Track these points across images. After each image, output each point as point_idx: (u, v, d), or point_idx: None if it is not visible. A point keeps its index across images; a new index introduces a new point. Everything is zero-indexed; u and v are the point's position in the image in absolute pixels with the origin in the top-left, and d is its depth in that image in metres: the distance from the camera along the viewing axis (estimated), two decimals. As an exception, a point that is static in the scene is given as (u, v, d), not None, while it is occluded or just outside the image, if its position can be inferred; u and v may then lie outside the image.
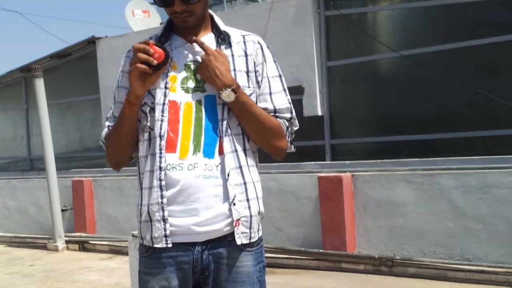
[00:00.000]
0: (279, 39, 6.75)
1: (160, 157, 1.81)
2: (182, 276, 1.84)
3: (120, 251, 7.22)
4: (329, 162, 6.80)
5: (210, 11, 1.96)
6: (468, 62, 6.17)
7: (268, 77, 1.93)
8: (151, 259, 1.87)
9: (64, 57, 9.47)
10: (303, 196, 6.44)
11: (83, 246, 7.94)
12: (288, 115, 1.94)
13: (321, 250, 6.11)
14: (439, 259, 5.56)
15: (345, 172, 6.29)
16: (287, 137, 1.95)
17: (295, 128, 1.99)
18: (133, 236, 3.84)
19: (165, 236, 1.82)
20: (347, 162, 6.57)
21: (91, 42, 8.93)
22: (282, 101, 1.94)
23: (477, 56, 6.07)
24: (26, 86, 10.13)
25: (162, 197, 1.81)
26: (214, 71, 1.80)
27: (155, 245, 1.83)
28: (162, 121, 1.83)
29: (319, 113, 6.81)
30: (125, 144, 1.91)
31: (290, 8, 6.91)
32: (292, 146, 1.99)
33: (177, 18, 1.85)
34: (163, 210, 1.81)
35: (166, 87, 1.85)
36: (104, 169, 8.86)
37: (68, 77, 9.72)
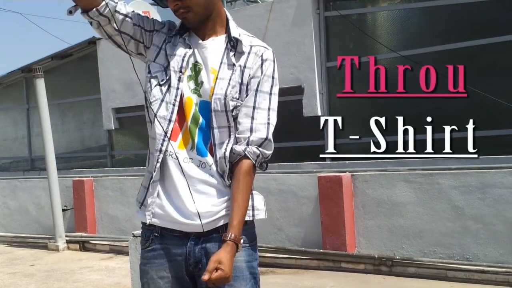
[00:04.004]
0: (279, 40, 6.75)
1: (163, 139, 1.85)
2: (176, 268, 1.90)
3: (120, 251, 7.23)
4: (329, 162, 6.80)
5: (227, 13, 1.95)
6: (468, 62, 6.17)
7: (258, 91, 1.89)
8: (149, 251, 1.94)
9: (64, 57, 9.47)
10: (303, 196, 6.45)
11: (84, 246, 7.96)
12: (263, 135, 1.88)
13: (321, 250, 6.12)
14: (439, 259, 5.57)
15: (345, 172, 6.30)
16: (256, 168, 1.93)
17: (268, 153, 1.92)
18: (134, 236, 3.86)
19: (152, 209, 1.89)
20: (347, 162, 6.58)
21: (92, 42, 8.92)
22: (263, 120, 1.88)
23: (477, 56, 6.07)
24: (27, 86, 10.12)
25: (155, 170, 1.86)
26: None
27: (143, 214, 1.91)
28: (174, 105, 1.85)
29: (319, 113, 6.81)
30: None
31: (290, 9, 6.91)
32: (264, 167, 1.96)
33: (178, 16, 1.89)
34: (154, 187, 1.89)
35: (181, 72, 1.87)
36: (105, 169, 8.88)
37: (69, 78, 9.71)
